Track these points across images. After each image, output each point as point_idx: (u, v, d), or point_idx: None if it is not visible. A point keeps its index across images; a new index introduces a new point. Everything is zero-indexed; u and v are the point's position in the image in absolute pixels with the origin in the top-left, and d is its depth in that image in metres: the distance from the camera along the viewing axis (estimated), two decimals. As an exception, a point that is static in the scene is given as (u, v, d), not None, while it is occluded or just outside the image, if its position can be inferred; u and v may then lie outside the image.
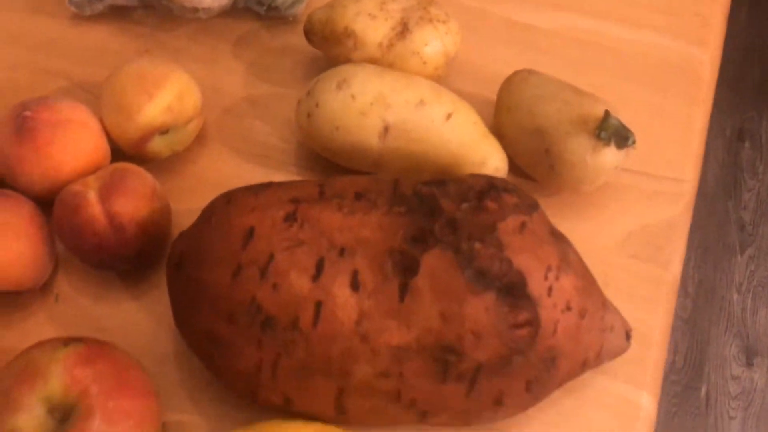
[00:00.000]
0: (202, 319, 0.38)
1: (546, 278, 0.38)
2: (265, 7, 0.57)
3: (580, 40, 0.59)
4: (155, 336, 0.47)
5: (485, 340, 0.36)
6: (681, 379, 1.28)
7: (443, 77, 0.54)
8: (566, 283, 0.39)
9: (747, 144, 1.49)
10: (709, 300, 1.34)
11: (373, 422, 0.40)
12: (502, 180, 0.41)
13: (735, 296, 1.34)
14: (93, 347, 0.39)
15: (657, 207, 0.52)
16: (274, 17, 0.59)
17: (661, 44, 0.59)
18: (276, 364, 0.37)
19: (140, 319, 0.47)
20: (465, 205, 0.39)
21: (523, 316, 0.37)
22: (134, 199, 0.45)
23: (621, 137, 0.47)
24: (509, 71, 0.53)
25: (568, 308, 0.38)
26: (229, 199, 0.40)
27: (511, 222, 0.38)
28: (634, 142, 0.47)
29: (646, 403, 0.45)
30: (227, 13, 0.58)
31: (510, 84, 0.51)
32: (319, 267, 0.37)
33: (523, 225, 0.39)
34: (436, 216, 0.38)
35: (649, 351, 0.47)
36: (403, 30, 0.51)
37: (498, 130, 0.51)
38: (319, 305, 0.36)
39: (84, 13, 0.58)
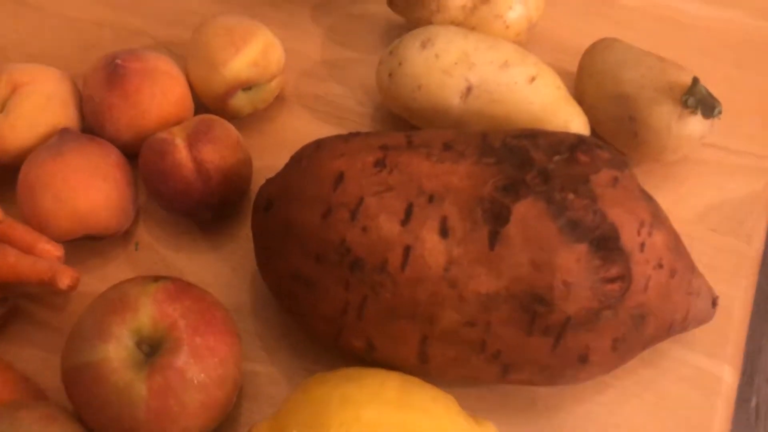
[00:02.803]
0: (291, 259, 0.39)
1: (639, 233, 0.37)
2: (345, -26, 0.58)
3: (659, 15, 0.58)
4: (231, 286, 0.47)
5: (575, 291, 0.36)
6: (732, 386, 1.25)
7: (522, 44, 0.54)
8: (658, 240, 0.38)
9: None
10: (760, 309, 1.31)
11: (454, 374, 0.39)
12: (591, 137, 0.41)
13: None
14: (180, 285, 0.40)
15: (738, 182, 0.51)
16: (354, -16, 0.59)
17: (740, 20, 0.58)
18: (362, 306, 0.37)
19: (217, 269, 0.48)
20: (557, 158, 0.38)
21: (615, 270, 0.36)
22: (221, 148, 0.45)
23: (708, 106, 0.46)
24: (587, 43, 0.53)
25: (660, 266, 0.38)
26: (319, 144, 0.41)
27: (603, 175, 0.38)
28: (720, 112, 0.46)
29: (728, 376, 0.44)
30: (307, -22, 0.59)
31: (594, 50, 0.51)
32: (408, 212, 0.37)
33: (615, 179, 0.38)
34: (527, 167, 0.38)
35: (730, 323, 0.46)
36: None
37: (579, 97, 0.51)
38: (407, 249, 0.36)
39: (168, -26, 0.59)
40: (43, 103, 0.47)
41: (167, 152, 0.45)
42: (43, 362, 0.45)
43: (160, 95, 0.47)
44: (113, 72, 0.47)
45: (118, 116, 0.47)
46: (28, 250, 0.43)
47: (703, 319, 0.42)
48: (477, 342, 0.37)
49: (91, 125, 0.49)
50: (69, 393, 0.38)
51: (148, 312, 0.38)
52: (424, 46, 0.47)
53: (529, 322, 0.36)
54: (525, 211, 0.36)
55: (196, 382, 0.37)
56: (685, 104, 0.46)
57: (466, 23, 0.51)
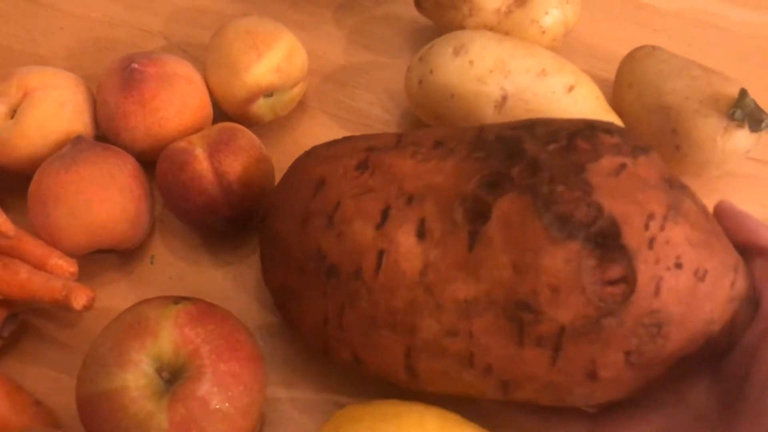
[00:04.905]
0: (278, 271, 0.38)
1: (647, 227, 0.31)
2: (370, -26, 0.55)
3: (698, 21, 0.56)
4: (253, 302, 0.45)
5: (565, 296, 0.31)
6: None
7: (558, 50, 0.52)
8: (675, 235, 0.31)
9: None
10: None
11: (449, 390, 0.36)
12: (607, 122, 0.35)
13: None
14: (203, 307, 0.37)
15: (782, 198, 0.49)
16: (378, -16, 0.57)
17: (782, 29, 0.56)
18: (341, 315, 0.35)
19: (238, 284, 0.46)
20: (552, 146, 0.34)
21: (614, 271, 0.31)
22: (243, 159, 0.43)
23: (755, 119, 0.44)
24: (624, 50, 0.51)
25: (677, 265, 0.31)
26: (309, 151, 0.40)
27: (605, 162, 0.33)
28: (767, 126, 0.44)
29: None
30: (330, -22, 0.57)
31: (632, 59, 0.48)
32: (385, 214, 0.34)
33: (621, 167, 0.33)
34: (515, 159, 0.34)
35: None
36: (524, -3, 0.48)
37: (617, 108, 0.48)
38: (381, 254, 0.34)
39: (185, -27, 0.57)
40: (56, 110, 0.45)
41: (187, 163, 0.42)
42: (54, 382, 0.43)
43: (179, 101, 0.45)
44: (129, 77, 0.44)
45: (135, 123, 0.45)
46: (40, 266, 0.41)
47: None
48: (463, 354, 0.34)
49: (105, 132, 0.47)
50: (85, 422, 0.36)
51: (169, 336, 0.36)
52: (457, 52, 0.45)
53: (516, 331, 0.32)
54: (507, 207, 0.32)
55: (220, 412, 0.35)
56: (732, 117, 0.44)
57: (499, 28, 0.49)
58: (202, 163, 0.42)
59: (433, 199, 0.34)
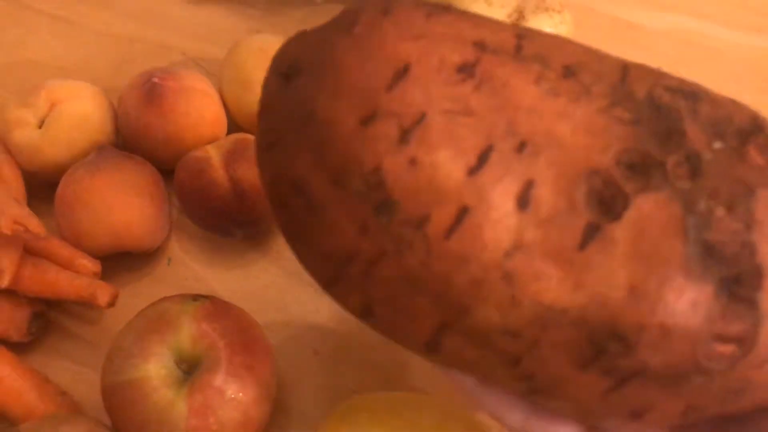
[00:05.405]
0: (298, 162, 0.27)
1: None
2: (375, -6, 0.59)
3: (685, 40, 0.59)
4: (262, 302, 0.48)
5: (673, 343, 0.25)
6: None
7: (552, 68, 0.55)
8: None
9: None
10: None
11: (465, 371, 0.30)
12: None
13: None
14: (219, 304, 0.40)
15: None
16: (383, 4, 0.60)
17: (764, 46, 0.59)
18: (375, 264, 0.27)
19: (248, 285, 0.49)
20: (719, 144, 0.26)
21: (735, 328, 0.25)
22: (256, 167, 0.46)
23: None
24: (615, 67, 0.54)
25: None
26: (388, 8, 0.27)
27: None
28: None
29: None
30: (337, -2, 0.60)
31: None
32: (484, 156, 0.25)
33: None
34: (674, 143, 0.26)
35: None
36: (519, 17, 0.51)
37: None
38: (464, 210, 0.25)
39: (200, -8, 0.60)
40: (81, 120, 0.48)
41: (203, 171, 0.45)
42: (76, 375, 0.46)
43: (196, 113, 0.48)
44: (150, 90, 0.47)
45: (154, 134, 0.48)
46: (66, 266, 0.44)
47: None
48: (511, 355, 0.27)
49: (126, 141, 0.50)
50: (109, 409, 0.39)
51: (187, 331, 0.39)
52: (456, 69, 0.48)
53: (589, 356, 0.26)
54: (650, 210, 0.25)
55: (234, 400, 0.38)
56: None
57: (497, 47, 0.52)
58: (217, 171, 0.45)
59: (552, 157, 0.25)
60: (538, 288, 0.25)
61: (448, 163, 0.25)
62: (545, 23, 0.51)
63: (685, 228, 0.25)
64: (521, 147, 0.25)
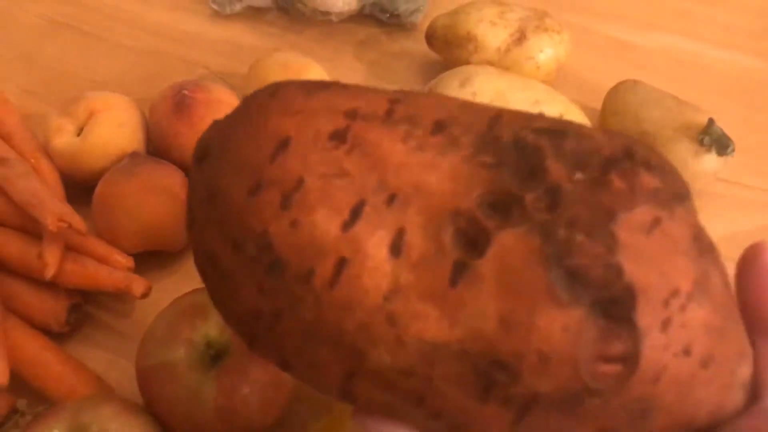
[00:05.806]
0: (206, 235, 0.29)
1: (666, 305, 0.25)
2: (387, 15, 0.63)
3: (678, 59, 0.63)
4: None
5: (554, 367, 0.25)
6: None
7: (551, 83, 0.59)
8: (694, 318, 0.26)
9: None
10: None
11: (389, 418, 0.30)
12: (646, 149, 0.28)
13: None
14: (243, 296, 0.44)
15: (749, 215, 0.55)
16: (395, 24, 0.64)
17: (753, 66, 0.63)
18: (277, 319, 0.28)
19: (269, 283, 0.52)
20: (579, 175, 0.27)
21: (616, 348, 0.25)
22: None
23: (722, 144, 0.51)
24: (610, 83, 0.58)
25: (686, 352, 0.26)
26: (275, 91, 0.30)
27: (639, 214, 0.26)
28: (733, 150, 0.51)
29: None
30: (351, 18, 0.64)
31: (617, 91, 0.55)
32: (357, 211, 0.27)
33: (655, 222, 0.26)
34: (536, 180, 0.27)
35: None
36: (521, 37, 0.55)
37: (603, 134, 0.55)
38: (342, 262, 0.27)
39: (224, 11, 0.65)
40: (116, 129, 0.52)
41: (229, 176, 0.49)
42: (110, 363, 0.49)
43: (222, 123, 0.52)
44: (180, 102, 0.52)
45: (184, 142, 0.52)
46: (102, 261, 0.48)
47: (734, 414, 0.29)
48: (414, 395, 0.28)
49: (157, 149, 0.54)
50: (143, 390, 0.42)
51: (216, 319, 0.42)
52: (463, 84, 0.52)
53: (482, 387, 0.27)
54: (510, 244, 0.26)
55: (258, 383, 0.41)
56: (701, 143, 0.50)
57: (500, 63, 0.56)
58: (242, 176, 0.49)
59: (420, 205, 0.27)
60: (418, 327, 0.27)
61: (324, 221, 0.27)
62: (545, 43, 0.55)
63: (545, 257, 0.26)
64: (391, 199, 0.27)
